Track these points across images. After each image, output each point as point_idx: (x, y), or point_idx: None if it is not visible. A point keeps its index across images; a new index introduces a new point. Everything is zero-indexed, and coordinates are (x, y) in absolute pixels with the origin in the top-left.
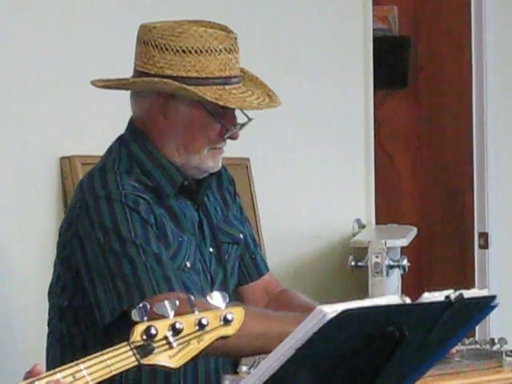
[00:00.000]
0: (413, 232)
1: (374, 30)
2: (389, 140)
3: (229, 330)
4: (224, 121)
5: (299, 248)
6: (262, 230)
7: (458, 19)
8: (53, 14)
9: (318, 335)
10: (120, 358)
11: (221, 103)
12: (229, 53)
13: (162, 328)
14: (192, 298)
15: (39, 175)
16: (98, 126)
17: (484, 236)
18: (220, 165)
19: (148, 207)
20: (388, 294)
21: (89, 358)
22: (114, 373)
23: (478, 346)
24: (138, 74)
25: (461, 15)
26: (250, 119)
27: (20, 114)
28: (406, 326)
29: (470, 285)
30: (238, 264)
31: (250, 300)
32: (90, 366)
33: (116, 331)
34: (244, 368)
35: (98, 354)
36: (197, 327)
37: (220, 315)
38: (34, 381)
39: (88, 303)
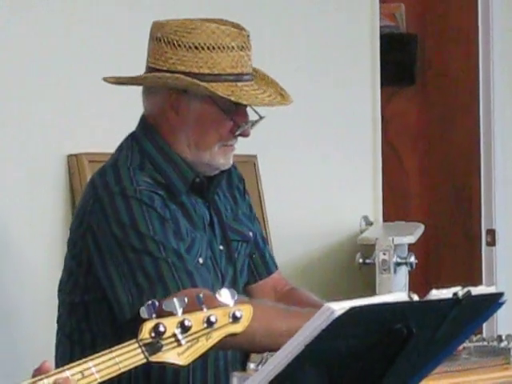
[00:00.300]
0: (420, 229)
1: (381, 27)
2: (396, 137)
3: (237, 328)
4: (236, 118)
5: (306, 245)
6: (270, 228)
7: (466, 16)
8: (53, 14)
9: (326, 332)
10: (129, 356)
11: (233, 99)
12: (241, 50)
13: (170, 325)
14: (201, 295)
15: (47, 173)
16: (105, 123)
17: (491, 233)
18: (231, 162)
19: (163, 203)
20: (395, 291)
21: (97, 355)
22: (122, 370)
23: (485, 343)
24: (149, 70)
25: (468, 12)
26: (261, 117)
27: (26, 113)
28: (414, 323)
29: (477, 282)
30: (247, 262)
31: (258, 298)
32: (99, 364)
33: (132, 328)
34: (252, 365)
35: (107, 351)
36: (205, 324)
37: (229, 312)
38: (42, 378)
39: (100, 298)
